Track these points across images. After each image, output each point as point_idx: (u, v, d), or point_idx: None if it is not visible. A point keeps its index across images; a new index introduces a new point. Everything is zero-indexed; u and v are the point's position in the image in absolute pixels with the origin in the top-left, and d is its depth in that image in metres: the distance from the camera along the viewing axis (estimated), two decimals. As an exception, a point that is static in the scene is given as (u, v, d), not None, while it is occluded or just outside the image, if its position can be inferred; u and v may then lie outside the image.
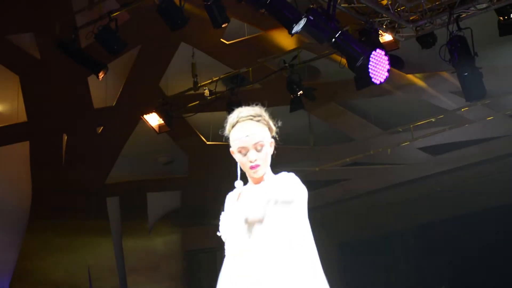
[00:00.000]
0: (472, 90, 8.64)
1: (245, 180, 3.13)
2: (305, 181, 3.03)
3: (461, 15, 8.54)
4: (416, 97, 11.85)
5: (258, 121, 3.07)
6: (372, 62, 8.24)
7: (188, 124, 12.13)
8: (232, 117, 3.09)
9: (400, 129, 12.22)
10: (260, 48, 10.58)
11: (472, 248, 13.68)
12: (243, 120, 3.06)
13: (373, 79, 8.33)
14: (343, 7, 8.31)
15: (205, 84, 10.48)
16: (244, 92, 10.37)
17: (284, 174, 2.97)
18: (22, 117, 11.29)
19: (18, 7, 9.68)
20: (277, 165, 3.19)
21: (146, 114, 10.72)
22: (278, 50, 10.49)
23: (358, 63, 8.10)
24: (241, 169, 3.10)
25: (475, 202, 13.56)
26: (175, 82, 11.12)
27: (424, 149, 13.04)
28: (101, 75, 9.17)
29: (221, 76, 10.45)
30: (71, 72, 10.09)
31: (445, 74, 10.92)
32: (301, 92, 9.88)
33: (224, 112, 9.68)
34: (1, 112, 11.43)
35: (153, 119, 10.73)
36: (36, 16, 9.82)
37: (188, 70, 10.54)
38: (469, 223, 13.71)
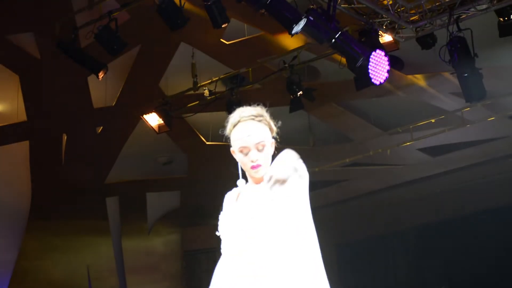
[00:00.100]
0: (472, 91, 8.64)
1: (245, 180, 3.12)
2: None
3: (461, 16, 8.54)
4: (416, 98, 11.83)
5: (260, 121, 3.06)
6: (372, 62, 8.23)
7: (187, 124, 12.12)
8: (233, 117, 3.07)
9: (400, 130, 12.21)
10: (260, 48, 10.57)
11: (472, 249, 13.66)
12: (245, 120, 3.04)
13: (373, 80, 8.31)
14: (343, 7, 8.31)
15: (205, 84, 10.47)
16: (244, 93, 10.37)
17: (283, 153, 2.90)
18: (22, 117, 11.29)
19: (18, 7, 9.67)
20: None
21: (145, 114, 10.71)
22: (278, 51, 10.48)
23: (358, 64, 8.10)
24: (241, 169, 3.09)
25: (475, 203, 13.55)
26: (175, 82, 11.11)
27: (424, 150, 13.03)
28: (101, 75, 9.17)
29: (221, 76, 10.45)
30: (71, 72, 10.08)
31: (445, 75, 10.90)
32: (300, 92, 9.87)
33: (224, 112, 9.67)
34: (1, 112, 11.42)
35: (153, 119, 10.72)
36: (36, 16, 9.81)
37: (188, 70, 10.53)
38: (469, 224, 13.69)
